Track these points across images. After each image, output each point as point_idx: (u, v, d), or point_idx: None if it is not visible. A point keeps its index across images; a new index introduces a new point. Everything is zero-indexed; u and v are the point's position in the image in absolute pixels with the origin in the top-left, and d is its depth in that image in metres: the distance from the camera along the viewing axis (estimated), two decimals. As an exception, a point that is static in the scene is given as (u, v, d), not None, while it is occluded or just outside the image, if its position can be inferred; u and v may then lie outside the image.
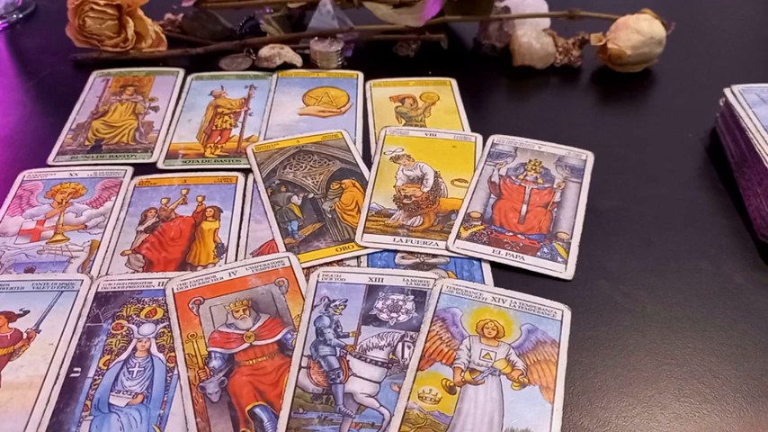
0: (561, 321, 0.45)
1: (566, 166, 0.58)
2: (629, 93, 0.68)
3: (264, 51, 0.71)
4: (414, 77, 0.70)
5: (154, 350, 0.44)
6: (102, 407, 0.41)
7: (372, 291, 0.47)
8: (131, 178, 0.58)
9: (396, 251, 0.51)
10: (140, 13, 0.71)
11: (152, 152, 0.61)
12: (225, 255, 0.50)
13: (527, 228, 0.52)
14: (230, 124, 0.64)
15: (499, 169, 0.57)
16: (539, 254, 0.50)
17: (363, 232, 0.52)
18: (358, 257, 0.50)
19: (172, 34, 0.76)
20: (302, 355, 0.43)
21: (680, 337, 0.45)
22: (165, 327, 0.45)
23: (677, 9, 0.72)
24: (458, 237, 0.51)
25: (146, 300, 0.47)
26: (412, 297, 0.47)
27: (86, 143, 0.62)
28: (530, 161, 0.58)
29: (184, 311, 0.46)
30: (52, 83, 0.71)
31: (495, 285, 0.48)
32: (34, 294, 0.47)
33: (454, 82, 0.69)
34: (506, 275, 0.49)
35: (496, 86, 0.70)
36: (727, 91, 0.59)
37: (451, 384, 0.42)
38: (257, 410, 0.41)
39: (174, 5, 0.78)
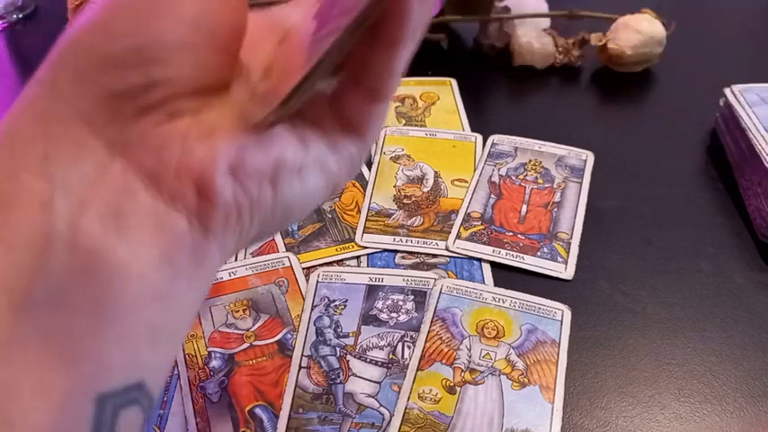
0: (561, 321, 0.45)
1: (566, 166, 0.58)
2: (629, 93, 0.68)
3: (264, 51, 0.70)
4: (414, 77, 0.69)
5: (154, 350, 0.44)
6: (102, 407, 0.41)
7: (372, 291, 0.47)
8: (131, 178, 0.58)
9: (396, 251, 0.51)
10: (140, 13, 0.71)
11: (152, 152, 0.60)
12: (225, 255, 0.50)
13: (527, 228, 0.52)
14: (230, 124, 0.64)
15: (499, 169, 0.57)
16: (539, 254, 0.50)
17: (363, 232, 0.52)
18: (358, 257, 0.50)
19: (172, 34, 0.76)
20: (302, 355, 0.43)
21: (680, 337, 0.45)
22: (164, 327, 0.45)
23: (677, 9, 0.72)
24: (458, 237, 0.51)
25: (146, 300, 0.47)
26: (412, 297, 0.47)
27: (86, 143, 0.62)
28: (530, 161, 0.58)
29: (184, 311, 0.46)
30: (52, 83, 0.71)
31: (495, 285, 0.48)
32: (34, 294, 0.47)
33: (454, 82, 0.69)
34: (506, 275, 0.49)
35: (496, 86, 0.70)
36: (727, 91, 0.59)
37: (451, 384, 0.42)
38: (257, 410, 0.41)
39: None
